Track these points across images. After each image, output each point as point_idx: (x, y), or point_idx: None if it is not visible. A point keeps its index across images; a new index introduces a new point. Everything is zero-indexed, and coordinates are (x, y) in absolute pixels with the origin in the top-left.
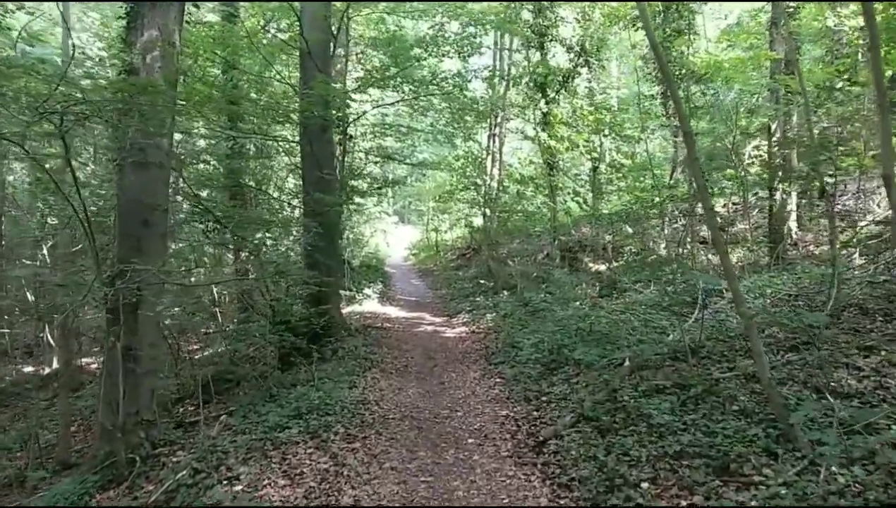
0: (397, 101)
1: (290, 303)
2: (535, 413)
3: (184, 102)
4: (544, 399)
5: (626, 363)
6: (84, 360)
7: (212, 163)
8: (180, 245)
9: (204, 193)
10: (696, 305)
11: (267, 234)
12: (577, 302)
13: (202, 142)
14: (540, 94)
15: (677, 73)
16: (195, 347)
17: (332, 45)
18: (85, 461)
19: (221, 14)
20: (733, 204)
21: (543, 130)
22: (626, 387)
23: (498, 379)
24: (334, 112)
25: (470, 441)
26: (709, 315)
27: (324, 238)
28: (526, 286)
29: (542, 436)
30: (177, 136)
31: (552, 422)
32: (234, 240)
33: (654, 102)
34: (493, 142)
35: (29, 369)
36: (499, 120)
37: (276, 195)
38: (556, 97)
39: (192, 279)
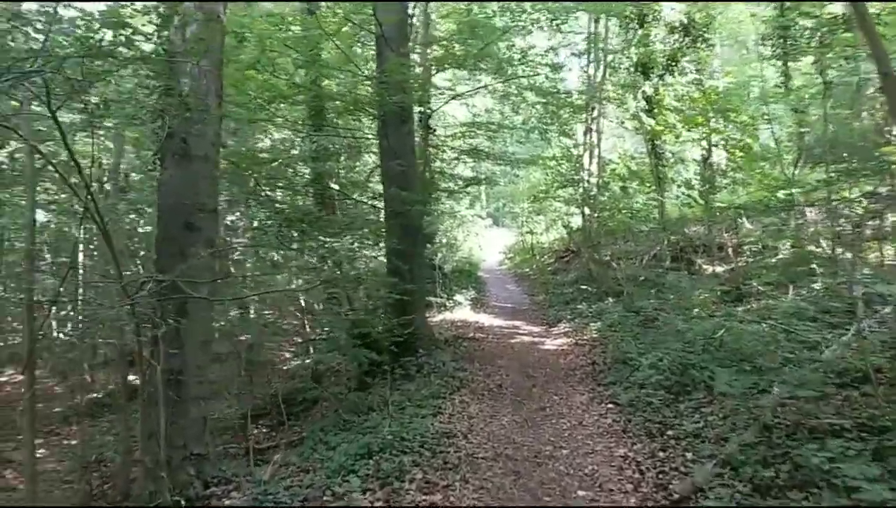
0: (481, 87)
1: (370, 314)
2: (660, 453)
3: (259, 100)
4: (671, 434)
5: (776, 389)
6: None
7: (293, 164)
8: (234, 251)
9: (278, 196)
10: (853, 314)
11: (349, 239)
12: (696, 310)
13: (266, 142)
14: (643, 77)
15: None
16: (287, 355)
17: (409, 27)
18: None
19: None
20: None
21: (648, 116)
22: (782, 424)
23: (610, 405)
24: (415, 102)
25: (580, 493)
26: (873, 325)
27: (406, 240)
28: (634, 291)
29: (676, 491)
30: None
31: (686, 469)
32: (315, 247)
33: (770, 83)
34: (590, 136)
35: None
36: (595, 113)
37: (357, 196)
38: (661, 80)
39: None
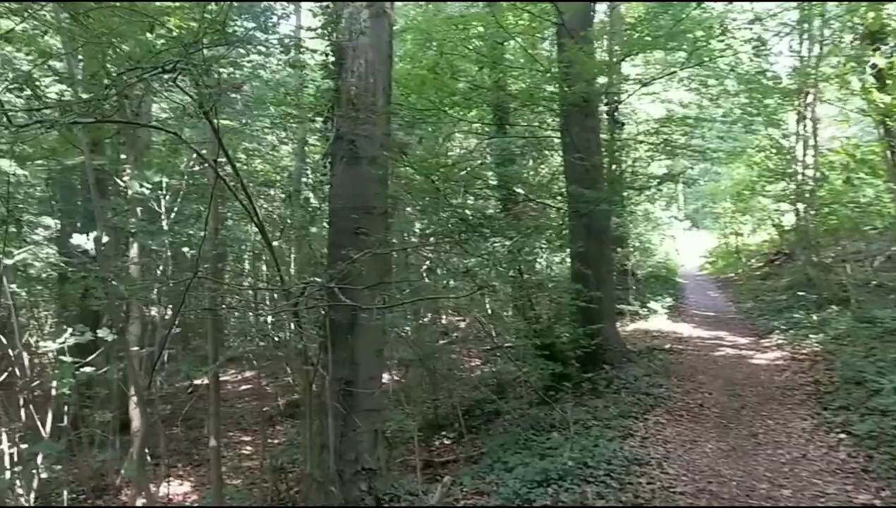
0: (672, 71)
1: (553, 322)
2: None
3: (441, 104)
4: None
5: None
6: None
7: (478, 170)
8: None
9: (463, 201)
10: None
11: (532, 243)
12: None
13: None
14: (871, 48)
15: None
16: (475, 363)
17: (591, 14)
18: None
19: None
20: None
21: (880, 93)
22: None
23: (842, 436)
24: (600, 94)
25: None
26: None
27: (591, 242)
28: (864, 298)
29: None
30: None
31: None
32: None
33: None
34: (804, 124)
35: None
36: (810, 98)
37: (539, 198)
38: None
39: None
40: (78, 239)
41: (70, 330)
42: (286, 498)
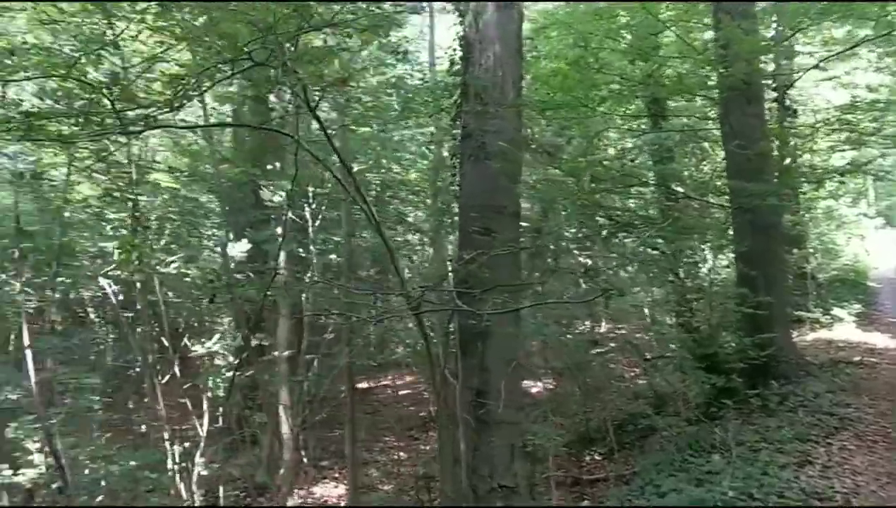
0: (854, 45)
1: (715, 330)
2: None
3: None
4: None
5: None
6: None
7: (633, 168)
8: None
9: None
10: None
11: (697, 244)
12: None
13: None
14: None
15: None
16: (632, 373)
17: None
18: None
19: None
20: None
21: None
22: None
23: None
24: (767, 77)
25: None
26: None
27: (757, 241)
28: None
29: None
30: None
31: None
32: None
33: None
34: None
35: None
36: None
37: (699, 195)
38: None
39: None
40: (232, 248)
41: (218, 335)
42: None
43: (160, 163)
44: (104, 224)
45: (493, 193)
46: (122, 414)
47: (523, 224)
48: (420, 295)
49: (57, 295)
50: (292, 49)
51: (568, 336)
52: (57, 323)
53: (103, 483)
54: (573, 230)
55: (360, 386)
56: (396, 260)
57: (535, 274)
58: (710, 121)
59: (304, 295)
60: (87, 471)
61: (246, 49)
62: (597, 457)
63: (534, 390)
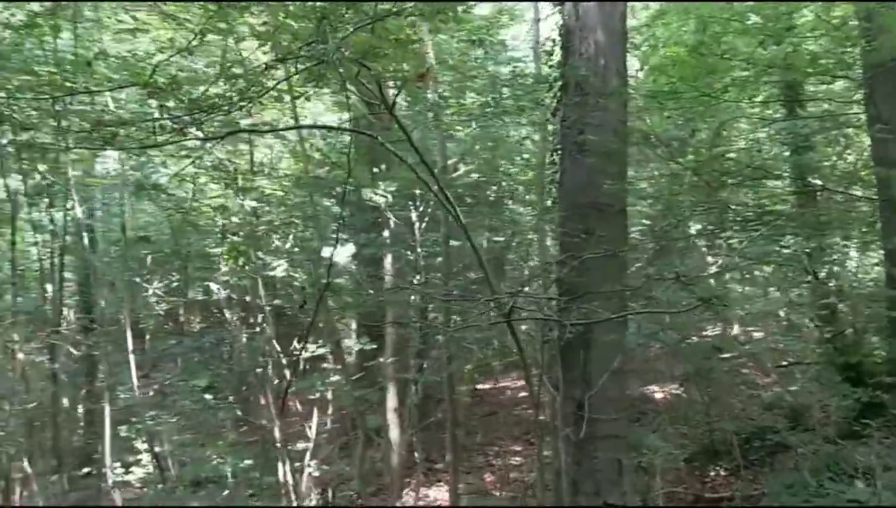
0: None
1: (860, 336)
2: None
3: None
4: None
5: None
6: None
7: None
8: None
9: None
10: None
11: (839, 240)
12: None
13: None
14: None
15: None
16: (768, 380)
17: None
18: None
19: None
20: None
21: None
22: None
23: None
24: None
25: None
26: None
27: None
28: None
29: None
30: None
31: None
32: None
33: None
34: None
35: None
36: None
37: (842, 187)
38: None
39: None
40: (328, 251)
41: (319, 340)
42: None
43: (275, 170)
44: (215, 229)
45: (594, 190)
46: (241, 415)
47: (645, 222)
48: (510, 302)
49: (194, 298)
50: (343, 41)
51: (690, 340)
52: (195, 324)
53: (209, 483)
54: (697, 229)
55: (480, 387)
56: (485, 264)
57: (644, 279)
58: (854, 105)
59: (412, 297)
60: (187, 469)
61: (306, 45)
62: (722, 473)
63: (657, 395)
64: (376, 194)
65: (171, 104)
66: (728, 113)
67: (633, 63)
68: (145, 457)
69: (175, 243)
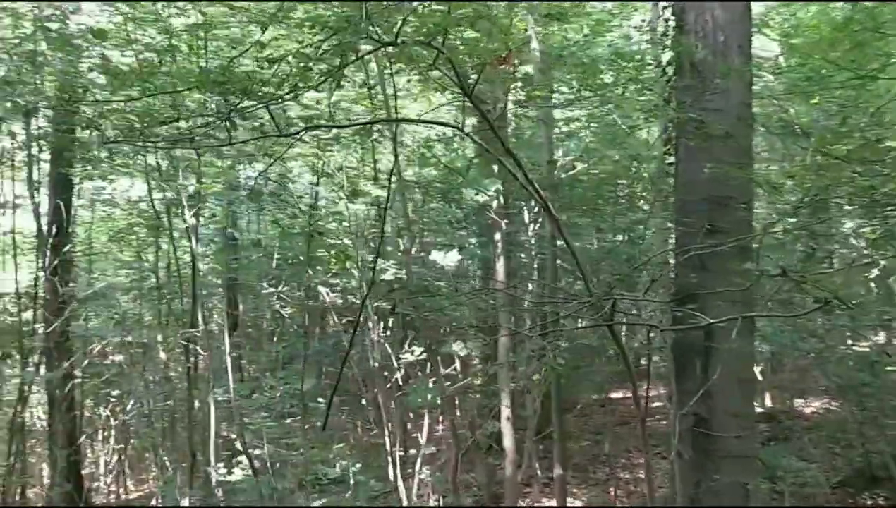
0: None
1: None
2: None
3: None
4: None
5: None
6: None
7: None
8: None
9: None
10: None
11: None
12: None
13: None
14: None
15: None
16: None
17: None
18: None
19: None
20: None
21: None
22: None
23: None
24: None
25: None
26: None
27: None
28: None
29: None
30: None
31: None
32: None
33: None
34: None
35: None
36: None
37: None
38: None
39: None
40: (436, 255)
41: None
42: None
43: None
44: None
45: (714, 182)
46: (349, 418)
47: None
48: (607, 304)
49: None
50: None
51: (841, 348)
52: (331, 327)
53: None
54: (850, 225)
55: (613, 395)
56: (580, 262)
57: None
58: None
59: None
60: (286, 471)
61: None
62: (881, 502)
63: (807, 410)
64: (480, 193)
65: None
66: (887, 96)
67: (770, 45)
68: (245, 459)
69: (290, 247)
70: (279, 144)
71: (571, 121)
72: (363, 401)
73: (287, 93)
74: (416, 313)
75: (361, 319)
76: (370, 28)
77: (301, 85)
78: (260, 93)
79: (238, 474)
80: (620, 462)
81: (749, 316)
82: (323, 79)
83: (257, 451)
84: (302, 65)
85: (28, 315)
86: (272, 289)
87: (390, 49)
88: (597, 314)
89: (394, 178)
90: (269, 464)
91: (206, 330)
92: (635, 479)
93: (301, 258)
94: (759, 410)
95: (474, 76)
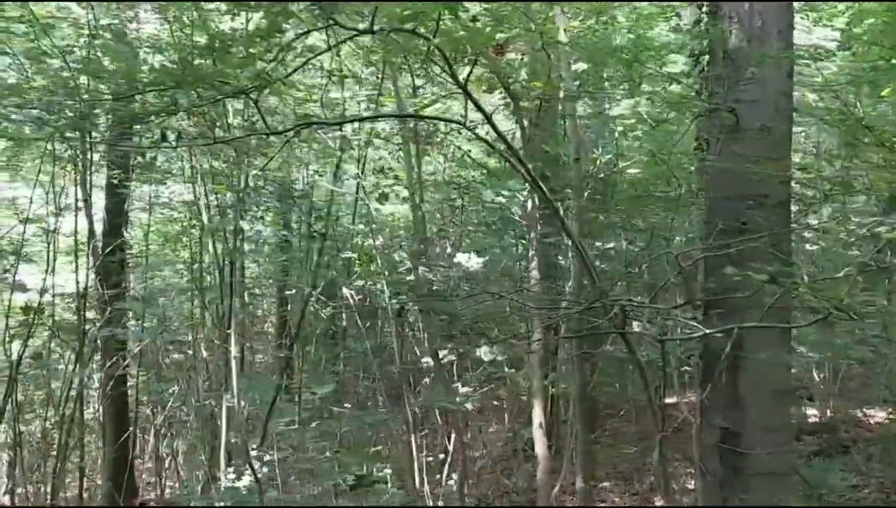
0: None
1: None
2: None
3: None
4: None
5: None
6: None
7: None
8: None
9: None
10: None
11: None
12: None
13: None
14: None
15: None
16: None
17: None
18: None
19: None
20: None
21: None
22: None
23: None
24: None
25: None
26: None
27: None
28: None
29: None
30: None
31: None
32: None
33: None
34: None
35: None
36: None
37: None
38: None
39: None
40: (461, 257)
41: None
42: None
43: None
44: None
45: (748, 179)
46: (370, 422)
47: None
48: (621, 309)
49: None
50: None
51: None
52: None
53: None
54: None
55: (667, 400)
56: (587, 260)
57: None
58: None
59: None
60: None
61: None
62: None
63: (873, 420)
64: (499, 195)
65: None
66: None
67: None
68: (256, 464)
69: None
70: (305, 144)
71: (608, 118)
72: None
73: (252, 88)
74: (430, 316)
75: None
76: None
77: (247, 66)
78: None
79: (245, 481)
80: (668, 471)
81: (747, 327)
82: (270, 52)
83: (266, 457)
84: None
85: (90, 314)
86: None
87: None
88: (606, 318)
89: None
90: (277, 471)
91: (250, 331)
92: (683, 489)
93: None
94: (815, 420)
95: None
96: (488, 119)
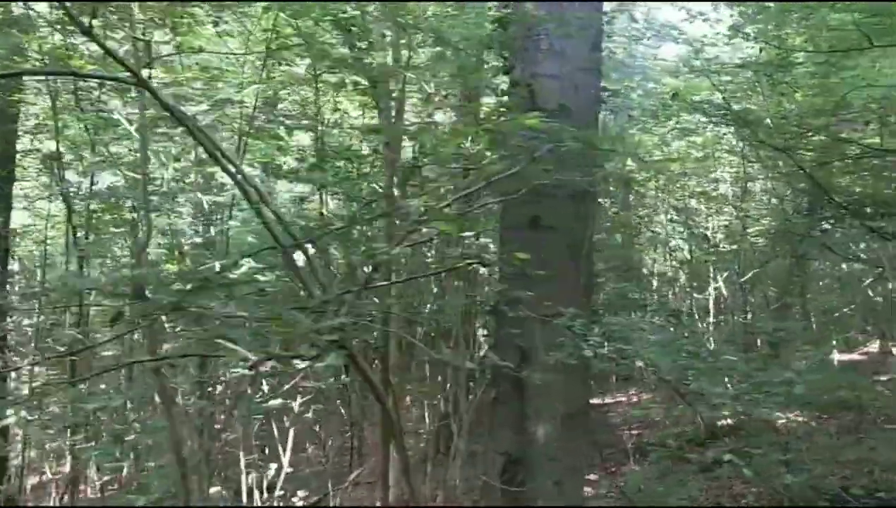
0: None
1: None
2: None
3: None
4: None
5: None
6: None
7: None
8: None
9: None
10: None
11: None
12: None
13: None
14: None
15: None
16: None
17: None
18: None
19: None
20: None
21: None
22: None
23: None
24: None
25: None
26: None
27: None
28: None
29: None
30: None
31: None
32: None
33: None
34: None
35: None
36: None
37: None
38: None
39: None
40: None
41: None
42: None
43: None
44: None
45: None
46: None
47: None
48: (336, 304)
49: None
50: None
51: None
52: None
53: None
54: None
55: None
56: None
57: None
58: None
59: None
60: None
61: None
62: None
63: (780, 422)
64: None
65: None
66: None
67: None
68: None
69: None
70: None
71: None
72: None
73: None
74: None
75: None
76: None
77: None
78: None
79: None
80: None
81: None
82: None
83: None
84: None
85: None
86: None
87: None
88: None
89: None
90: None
91: None
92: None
93: None
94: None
95: None
96: (165, 105)
